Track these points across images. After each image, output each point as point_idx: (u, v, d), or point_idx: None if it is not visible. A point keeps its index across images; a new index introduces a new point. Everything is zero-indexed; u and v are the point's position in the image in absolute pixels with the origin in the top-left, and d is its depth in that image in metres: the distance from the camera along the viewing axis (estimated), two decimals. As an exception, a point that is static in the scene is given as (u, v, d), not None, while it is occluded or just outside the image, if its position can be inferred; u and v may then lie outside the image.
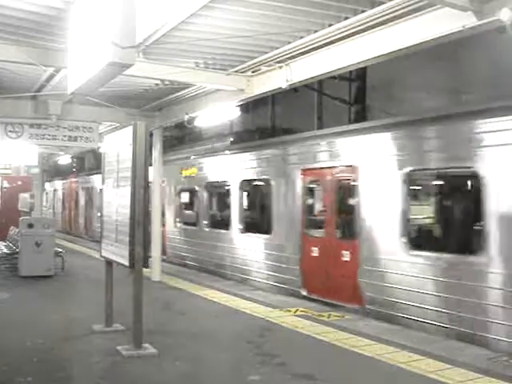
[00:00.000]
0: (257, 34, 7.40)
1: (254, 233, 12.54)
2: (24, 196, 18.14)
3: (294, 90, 10.87)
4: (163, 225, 15.62)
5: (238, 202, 12.94)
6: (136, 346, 6.60)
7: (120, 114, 12.22)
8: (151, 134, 12.48)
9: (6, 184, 20.29)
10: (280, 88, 8.77)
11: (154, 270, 12.20)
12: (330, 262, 9.98)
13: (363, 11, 6.54)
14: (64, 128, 12.60)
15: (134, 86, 10.41)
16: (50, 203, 32.29)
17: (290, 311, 9.02)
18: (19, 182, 20.54)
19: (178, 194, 16.19)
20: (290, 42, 7.82)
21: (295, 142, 11.51)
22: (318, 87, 14.62)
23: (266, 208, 12.49)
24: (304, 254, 10.58)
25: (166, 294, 10.62)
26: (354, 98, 14.11)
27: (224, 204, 14.63)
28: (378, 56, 7.01)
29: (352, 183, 9.61)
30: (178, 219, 16.10)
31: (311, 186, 11.02)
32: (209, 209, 14.83)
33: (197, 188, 14.99)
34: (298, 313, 8.90)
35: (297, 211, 10.86)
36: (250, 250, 12.41)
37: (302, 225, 10.77)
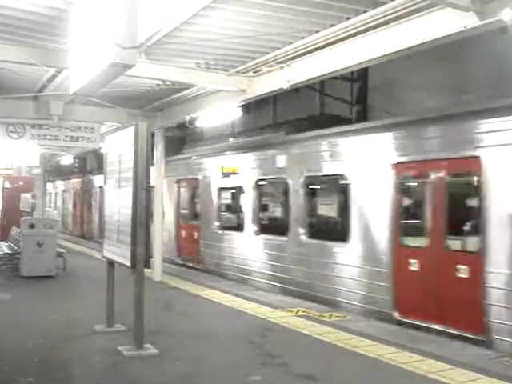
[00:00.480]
0: (258, 34, 7.40)
1: (323, 240, 10.46)
2: (26, 196, 18.15)
3: (296, 90, 10.83)
4: (196, 228, 14.98)
5: (299, 203, 11.01)
6: (137, 346, 6.60)
7: (122, 114, 12.23)
8: (153, 135, 12.50)
9: (7, 184, 20.32)
10: (281, 88, 8.77)
11: (156, 271, 12.20)
12: (438, 279, 8.02)
13: (365, 11, 6.54)
14: (66, 128, 12.61)
15: (135, 86, 10.42)
16: (58, 204, 31.40)
17: (291, 311, 9.01)
18: (21, 183, 20.56)
19: (217, 193, 14.27)
20: (291, 43, 7.82)
21: (387, 128, 9.23)
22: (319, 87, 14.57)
23: (341, 210, 10.49)
24: (397, 268, 8.64)
25: (167, 295, 10.62)
26: (356, 98, 14.09)
27: (279, 205, 12.58)
28: (380, 56, 7.01)
29: (473, 179, 7.70)
30: (216, 222, 14.19)
31: (408, 182, 9.07)
32: (258, 211, 12.66)
33: (242, 187, 13.06)
34: (299, 313, 8.90)
35: (386, 214, 8.85)
36: (317, 260, 10.39)
37: (394, 231, 8.76)
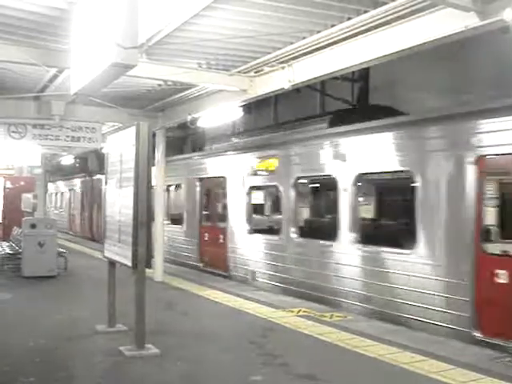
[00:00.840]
0: (259, 34, 7.40)
1: (381, 245, 9.11)
2: (27, 196, 18.17)
3: (297, 90, 10.83)
4: (222, 231, 13.60)
5: (349, 203, 9.67)
6: (138, 346, 6.60)
7: (123, 114, 12.25)
8: (154, 135, 12.50)
9: (8, 184, 20.33)
10: (282, 88, 8.78)
11: (157, 271, 12.20)
12: None
13: (366, 11, 6.54)
14: (67, 128, 12.62)
15: (136, 86, 10.43)
16: (64, 204, 30.25)
17: (292, 311, 9.01)
18: (22, 183, 20.57)
19: (248, 193, 12.76)
20: (292, 43, 7.83)
21: (478, 114, 7.63)
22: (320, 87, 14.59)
23: (403, 211, 9.60)
24: (480, 280, 7.39)
25: (168, 295, 10.63)
26: (358, 98, 14.11)
27: (325, 206, 11.74)
28: (381, 56, 7.01)
29: None
30: (247, 225, 12.69)
31: (498, 177, 7.74)
32: (299, 212, 11.45)
33: (279, 185, 11.61)
34: (300, 313, 8.89)
35: (463, 216, 7.57)
36: (373, 271, 9.11)
37: (474, 236, 7.44)
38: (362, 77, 13.71)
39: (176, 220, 16.44)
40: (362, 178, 9.61)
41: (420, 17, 6.22)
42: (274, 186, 11.96)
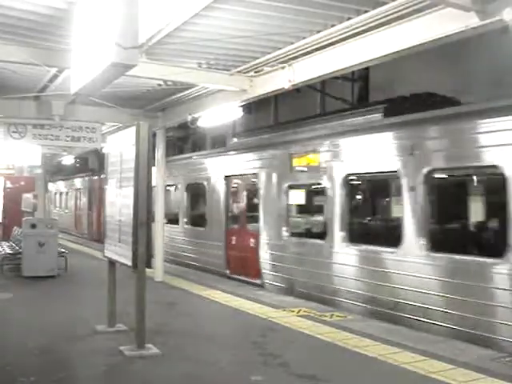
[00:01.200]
0: (259, 34, 7.40)
1: (457, 254, 7.78)
2: (27, 196, 18.19)
3: (297, 90, 10.82)
4: (253, 235, 12.28)
5: (416, 204, 8.32)
6: (139, 346, 6.60)
7: (123, 114, 12.25)
8: (154, 135, 12.50)
9: (9, 184, 20.36)
10: (283, 88, 8.78)
11: (157, 271, 12.20)
12: None
13: (366, 11, 6.55)
14: (67, 128, 12.63)
15: (136, 86, 10.43)
16: (70, 205, 29.01)
17: (292, 311, 9.01)
18: (22, 183, 20.60)
19: (286, 192, 11.39)
20: (292, 43, 7.83)
21: None
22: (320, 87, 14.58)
23: (491, 212, 8.39)
24: None
25: (168, 295, 10.63)
26: (358, 98, 14.11)
27: (382, 206, 10.30)
28: (381, 56, 7.01)
29: None
30: (284, 229, 11.30)
31: None
32: (351, 214, 9.87)
33: (324, 184, 10.23)
34: (300, 313, 8.89)
35: None
36: (446, 283, 7.83)
37: None
38: (361, 77, 13.72)
39: (197, 222, 15.29)
40: (433, 174, 8.25)
41: (420, 17, 6.22)
42: (318, 184, 10.55)
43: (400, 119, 8.96)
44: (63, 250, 13.64)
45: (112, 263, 7.78)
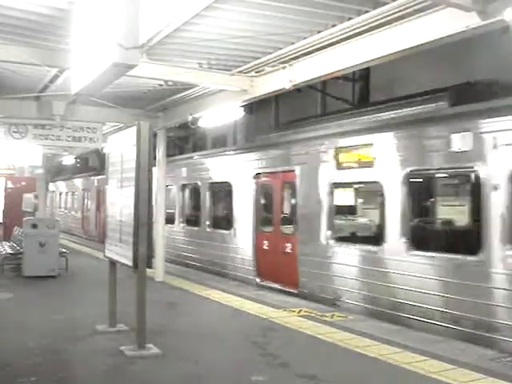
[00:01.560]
0: (260, 34, 7.41)
1: None
2: (28, 196, 18.20)
3: (298, 90, 10.81)
4: (289, 239, 11.15)
5: (502, 205, 7.12)
6: (139, 346, 6.61)
7: (124, 114, 12.27)
8: (155, 135, 12.51)
9: (10, 184, 20.37)
10: (283, 88, 8.78)
11: (158, 271, 12.21)
12: None
13: (367, 12, 6.55)
14: (68, 128, 12.65)
15: (137, 86, 10.44)
16: (77, 205, 27.69)
17: (293, 311, 9.01)
18: (23, 183, 20.61)
19: (329, 191, 10.16)
20: (293, 43, 7.83)
21: None
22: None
23: None
24: None
25: (169, 295, 10.63)
26: (358, 98, 14.10)
27: (454, 208, 8.73)
28: (382, 56, 7.01)
29: None
30: (328, 232, 10.10)
31: None
32: (413, 216, 8.60)
33: (379, 182, 9.02)
34: (301, 313, 8.89)
35: None
36: None
37: None
38: (362, 77, 13.71)
39: (220, 224, 14.14)
40: None
41: (421, 17, 6.22)
42: (372, 183, 9.33)
43: (479, 107, 7.70)
44: (64, 250, 13.65)
45: (113, 263, 7.79)
